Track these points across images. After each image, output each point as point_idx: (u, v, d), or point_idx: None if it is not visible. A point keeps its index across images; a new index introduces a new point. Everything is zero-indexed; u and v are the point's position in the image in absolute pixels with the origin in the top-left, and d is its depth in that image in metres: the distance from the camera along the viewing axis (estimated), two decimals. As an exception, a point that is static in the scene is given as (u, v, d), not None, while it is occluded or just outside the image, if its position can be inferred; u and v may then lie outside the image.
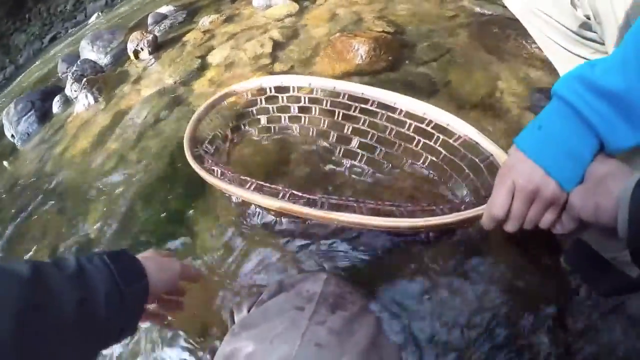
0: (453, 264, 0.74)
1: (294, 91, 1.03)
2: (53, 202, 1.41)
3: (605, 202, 0.40)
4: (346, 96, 0.97)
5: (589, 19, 0.61)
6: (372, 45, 1.28)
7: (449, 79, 1.15)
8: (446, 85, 1.14)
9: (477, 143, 0.77)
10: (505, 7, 0.78)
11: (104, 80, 1.98)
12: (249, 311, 0.65)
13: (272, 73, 1.42)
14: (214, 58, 1.72)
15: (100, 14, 4.53)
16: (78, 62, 2.27)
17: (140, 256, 0.52)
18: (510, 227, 0.49)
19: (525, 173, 0.45)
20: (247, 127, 1.12)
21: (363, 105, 0.93)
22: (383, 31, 1.41)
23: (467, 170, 0.79)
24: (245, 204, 0.95)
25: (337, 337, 0.51)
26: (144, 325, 0.82)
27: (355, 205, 0.75)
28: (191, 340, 0.81)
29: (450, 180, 0.84)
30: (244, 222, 0.94)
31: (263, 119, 1.10)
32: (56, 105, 2.11)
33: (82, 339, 0.40)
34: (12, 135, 2.14)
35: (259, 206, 0.90)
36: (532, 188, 0.45)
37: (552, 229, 0.48)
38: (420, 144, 0.88)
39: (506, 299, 0.69)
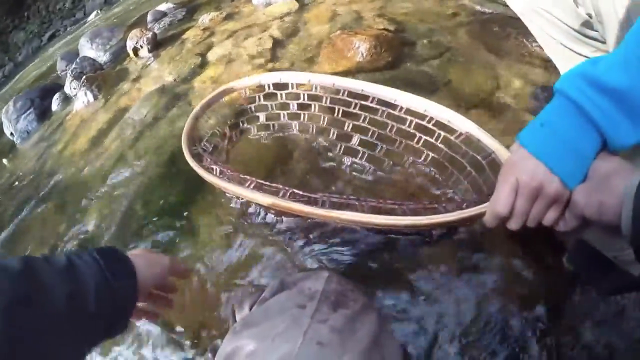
0: (455, 263, 0.74)
1: (293, 88, 1.01)
2: (52, 200, 1.41)
3: (609, 200, 0.40)
4: (346, 93, 0.95)
5: (590, 17, 0.61)
6: (373, 43, 1.28)
7: (450, 78, 1.15)
8: (446, 83, 1.14)
9: (478, 140, 0.75)
10: (506, 5, 0.78)
11: (103, 78, 1.97)
12: (250, 309, 0.65)
13: (272, 71, 1.41)
14: (213, 56, 1.71)
15: (99, 11, 4.53)
16: (77, 59, 2.26)
17: (129, 253, 0.52)
18: (513, 224, 0.48)
19: (529, 170, 0.45)
20: (245, 125, 1.11)
21: (363, 102, 0.92)
22: (384, 29, 1.40)
23: (468, 168, 0.79)
24: (245, 203, 0.94)
25: (339, 335, 0.51)
26: (136, 322, 0.82)
27: (356, 203, 0.74)
28: (191, 340, 0.81)
29: (452, 178, 0.83)
30: (245, 221, 0.94)
31: (262, 117, 1.09)
32: (55, 103, 2.10)
33: (72, 332, 0.40)
34: (11, 133, 2.13)
35: (259, 205, 0.89)
36: (536, 185, 0.45)
37: (555, 227, 0.48)
38: (422, 141, 0.87)
39: (508, 298, 0.69)
